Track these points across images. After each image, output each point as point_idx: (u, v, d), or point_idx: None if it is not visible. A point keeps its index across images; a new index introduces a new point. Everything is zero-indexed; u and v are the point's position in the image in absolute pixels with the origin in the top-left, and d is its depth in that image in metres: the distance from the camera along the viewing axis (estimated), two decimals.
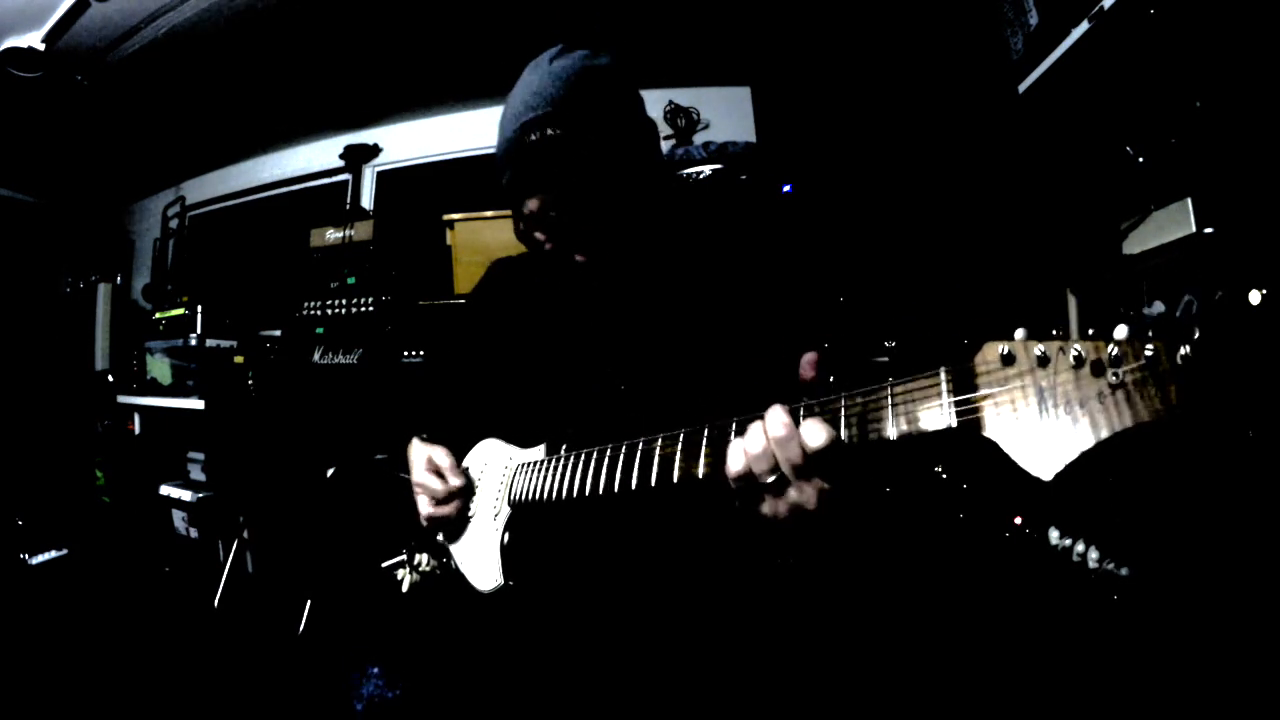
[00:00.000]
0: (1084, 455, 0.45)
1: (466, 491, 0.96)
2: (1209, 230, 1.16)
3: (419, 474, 0.97)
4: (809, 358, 0.66)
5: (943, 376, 0.52)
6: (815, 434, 0.57)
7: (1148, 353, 0.42)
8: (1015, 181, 1.74)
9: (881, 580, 1.27)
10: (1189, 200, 1.20)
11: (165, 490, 2.92)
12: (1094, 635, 1.11)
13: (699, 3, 2.24)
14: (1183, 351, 0.41)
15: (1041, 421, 0.47)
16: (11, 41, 2.33)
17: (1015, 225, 1.72)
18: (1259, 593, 0.94)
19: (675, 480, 0.68)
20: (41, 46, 2.34)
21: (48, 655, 2.12)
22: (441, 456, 0.96)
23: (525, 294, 1.04)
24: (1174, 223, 1.23)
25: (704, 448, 0.66)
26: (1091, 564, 1.13)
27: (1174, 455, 1.02)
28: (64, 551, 2.88)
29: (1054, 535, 1.18)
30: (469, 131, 3.17)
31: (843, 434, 0.57)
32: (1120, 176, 1.36)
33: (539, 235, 0.86)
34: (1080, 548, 1.15)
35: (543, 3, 2.18)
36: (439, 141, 3.25)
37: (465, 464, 0.99)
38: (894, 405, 0.54)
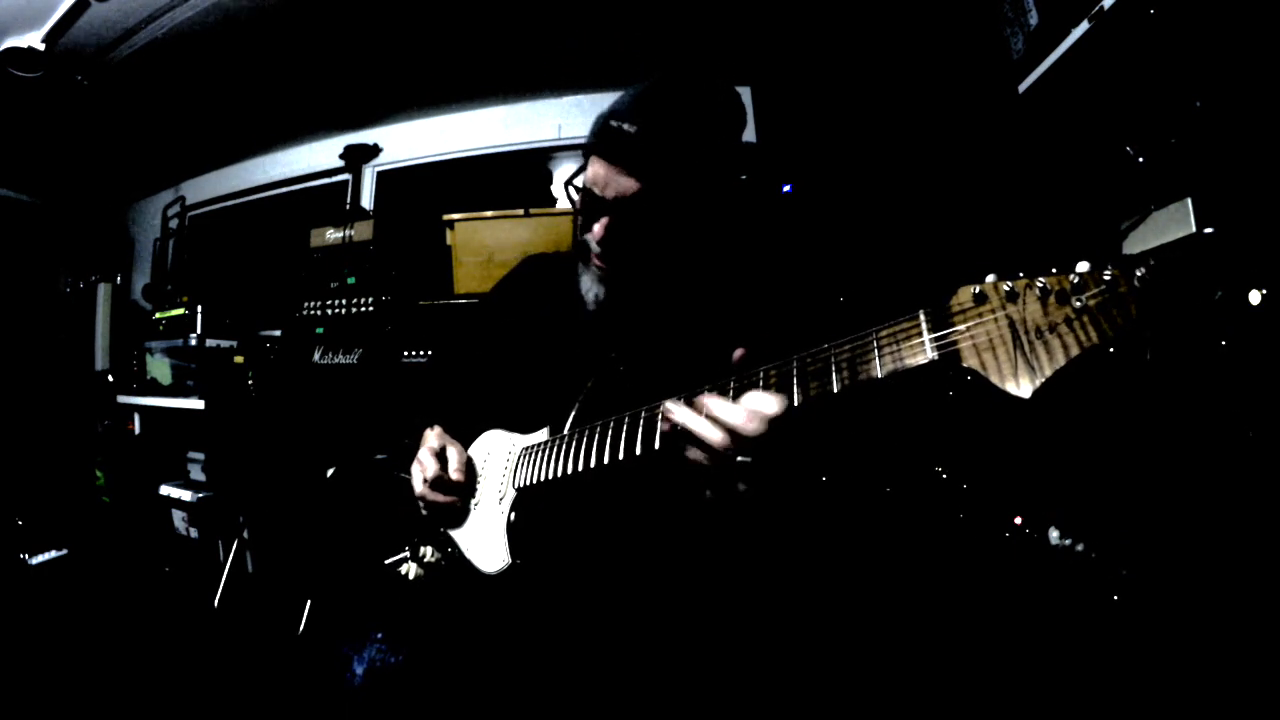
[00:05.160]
0: (1059, 373, 0.49)
1: (469, 484, 0.96)
2: (1209, 230, 1.16)
3: (423, 452, 0.96)
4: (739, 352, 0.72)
5: (922, 318, 0.58)
6: (767, 402, 0.64)
7: (1106, 277, 0.47)
8: (1015, 181, 1.74)
9: (882, 579, 1.27)
10: (1189, 200, 1.20)
11: (165, 490, 2.92)
12: (1094, 635, 1.11)
13: (699, 2, 2.24)
14: (1139, 272, 0.46)
15: (1016, 348, 0.51)
16: (11, 41, 2.33)
17: (1015, 225, 1.72)
18: (1259, 593, 0.94)
19: (657, 447, 0.72)
20: (41, 46, 2.33)
21: (48, 655, 2.12)
22: (454, 454, 0.96)
23: (545, 291, 1.06)
24: (1174, 223, 1.23)
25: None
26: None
27: (1174, 453, 1.03)
28: (64, 551, 2.87)
29: (1054, 535, 1.18)
30: (469, 131, 3.16)
31: (833, 381, 0.62)
32: (1120, 176, 1.35)
33: (579, 215, 0.91)
34: (1080, 548, 1.15)
35: (542, 3, 2.18)
36: (439, 141, 3.24)
37: (469, 454, 1.00)
38: (880, 348, 0.59)
